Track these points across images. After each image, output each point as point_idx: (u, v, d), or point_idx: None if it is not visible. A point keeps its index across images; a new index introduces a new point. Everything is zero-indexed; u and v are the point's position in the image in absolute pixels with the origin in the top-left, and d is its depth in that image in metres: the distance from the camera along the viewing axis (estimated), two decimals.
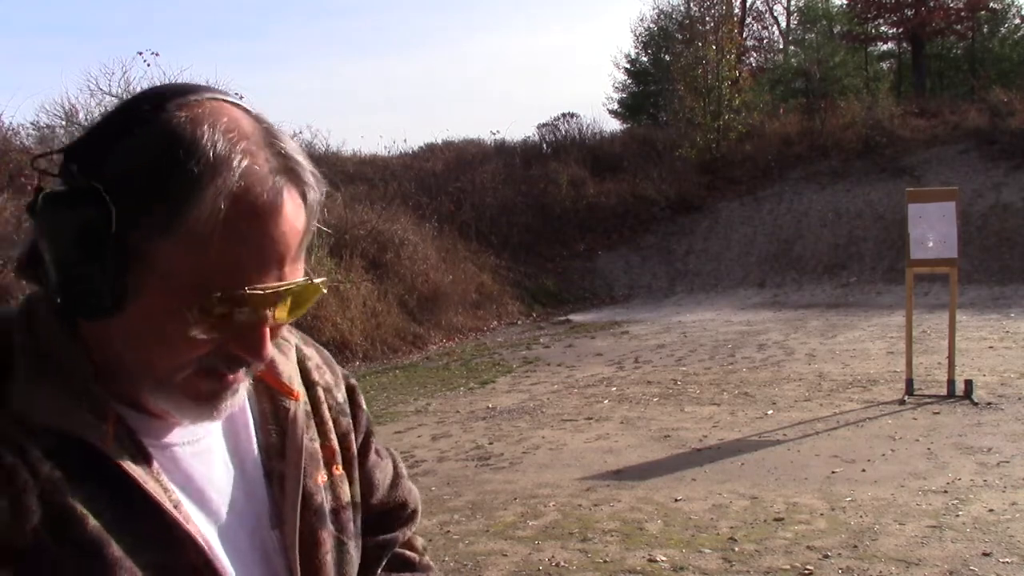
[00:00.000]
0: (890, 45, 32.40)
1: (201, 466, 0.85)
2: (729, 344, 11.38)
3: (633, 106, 31.50)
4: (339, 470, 0.97)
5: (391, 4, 70.41)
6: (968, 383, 7.53)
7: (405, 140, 47.58)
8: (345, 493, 0.97)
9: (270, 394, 0.92)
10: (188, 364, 0.78)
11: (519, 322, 15.17)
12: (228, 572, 0.82)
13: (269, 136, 0.78)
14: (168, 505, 0.78)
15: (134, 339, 0.77)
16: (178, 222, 0.73)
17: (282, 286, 0.77)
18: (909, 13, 28.23)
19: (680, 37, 25.12)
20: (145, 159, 0.73)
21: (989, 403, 7.30)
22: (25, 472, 0.72)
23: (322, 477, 0.94)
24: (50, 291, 0.75)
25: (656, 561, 4.36)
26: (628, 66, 32.30)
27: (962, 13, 28.56)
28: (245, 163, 0.75)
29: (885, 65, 33.23)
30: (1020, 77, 24.57)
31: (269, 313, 0.78)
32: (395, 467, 1.11)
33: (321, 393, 0.98)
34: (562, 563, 4.41)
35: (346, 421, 1.00)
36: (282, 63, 63.01)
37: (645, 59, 32.03)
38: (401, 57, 63.66)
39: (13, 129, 14.77)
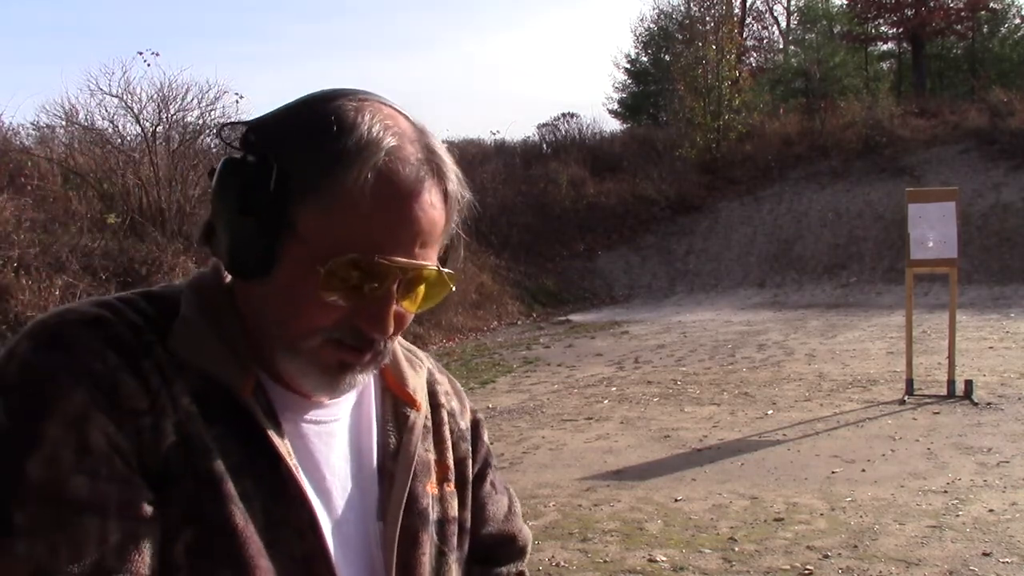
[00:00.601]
0: (890, 45, 32.42)
1: (323, 447, 0.90)
2: (729, 344, 11.38)
3: (633, 106, 31.50)
4: (451, 487, 1.02)
5: (391, 4, 70.44)
6: (968, 383, 7.53)
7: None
8: (453, 509, 1.01)
9: (394, 401, 0.98)
10: (317, 331, 0.84)
11: (519, 322, 15.17)
12: (328, 541, 0.86)
13: (422, 135, 0.89)
14: (291, 461, 0.84)
15: (274, 302, 0.85)
16: (327, 190, 0.81)
17: (412, 264, 0.84)
18: (909, 13, 28.23)
19: (680, 37, 25.13)
20: (309, 132, 0.83)
21: (989, 403, 7.30)
22: (167, 399, 0.80)
23: (432, 487, 0.99)
24: (218, 253, 0.86)
25: (656, 561, 4.36)
26: (628, 66, 32.33)
27: (962, 13, 28.57)
28: (394, 144, 0.84)
29: (885, 65, 33.23)
30: (1020, 77, 24.59)
31: (395, 290, 0.84)
32: (510, 503, 1.14)
33: (445, 415, 1.05)
34: (562, 563, 4.41)
35: (465, 447, 1.06)
36: (282, 63, 63.05)
37: (645, 59, 32.04)
38: (401, 57, 63.70)
39: (13, 129, 14.77)
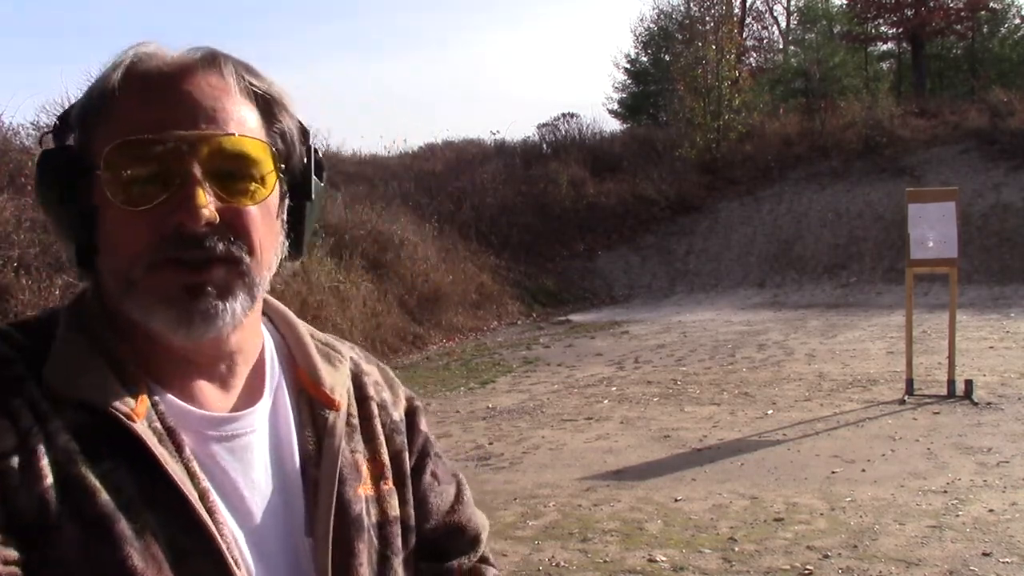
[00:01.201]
0: (890, 45, 32.41)
1: (237, 462, 0.85)
2: (729, 344, 11.38)
3: (633, 106, 31.49)
4: (388, 485, 0.96)
5: (392, 5, 70.44)
6: (968, 383, 7.53)
7: (405, 140, 47.47)
8: (393, 508, 0.96)
9: (310, 404, 0.92)
10: (140, 254, 0.78)
11: (519, 322, 15.17)
12: (245, 567, 0.81)
13: (196, 49, 0.85)
14: (185, 487, 0.77)
15: (105, 255, 0.81)
16: (98, 115, 0.81)
17: (190, 134, 0.78)
18: (909, 13, 28.23)
19: (680, 37, 25.12)
20: (90, 87, 0.83)
21: (989, 403, 7.30)
22: (39, 438, 0.74)
23: (365, 488, 0.93)
24: (71, 259, 0.83)
25: (656, 561, 4.36)
26: (628, 66, 32.31)
27: (962, 13, 28.56)
28: (142, 49, 0.83)
29: (885, 65, 33.23)
30: (1020, 77, 24.59)
31: (196, 172, 0.78)
32: (459, 492, 1.07)
33: (375, 408, 0.98)
34: (562, 563, 4.41)
35: (400, 439, 1.00)
36: (282, 63, 63.01)
37: (645, 59, 32.03)
38: (401, 57, 63.70)
39: (13, 129, 14.75)
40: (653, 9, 41.93)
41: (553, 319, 15.27)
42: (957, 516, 4.76)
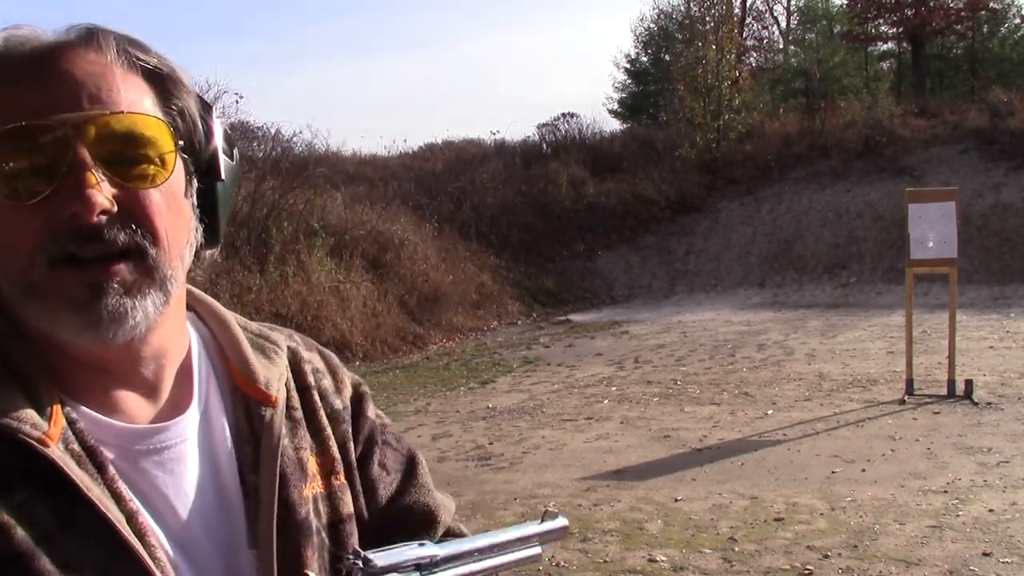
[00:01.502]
0: (890, 45, 32.40)
1: (168, 476, 0.77)
2: (729, 344, 11.38)
3: (633, 106, 31.48)
4: (340, 480, 0.89)
5: (390, 5, 70.42)
6: (968, 383, 7.53)
7: (405, 140, 47.56)
8: (347, 505, 0.89)
9: (246, 403, 0.84)
10: (33, 252, 0.71)
11: (519, 322, 15.17)
12: None
13: (71, 28, 0.78)
14: (111, 513, 0.70)
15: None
16: None
17: (72, 116, 0.71)
18: (909, 13, 28.23)
19: (680, 37, 25.14)
20: None
21: (989, 403, 7.30)
22: None
23: (313, 488, 0.86)
24: None
25: (656, 561, 4.36)
26: (628, 66, 32.31)
27: (962, 13, 28.56)
28: (12, 32, 0.76)
29: (885, 65, 33.22)
30: (1020, 77, 24.58)
31: (85, 157, 0.70)
32: (408, 475, 0.99)
33: (317, 398, 0.91)
34: (562, 563, 4.41)
35: (344, 428, 0.93)
36: (282, 63, 63.05)
37: (645, 59, 32.03)
38: (401, 57, 63.68)
39: None
40: (653, 9, 41.91)
41: (553, 319, 15.27)
42: (957, 516, 4.77)
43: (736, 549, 4.47)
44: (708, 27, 22.32)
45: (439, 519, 0.99)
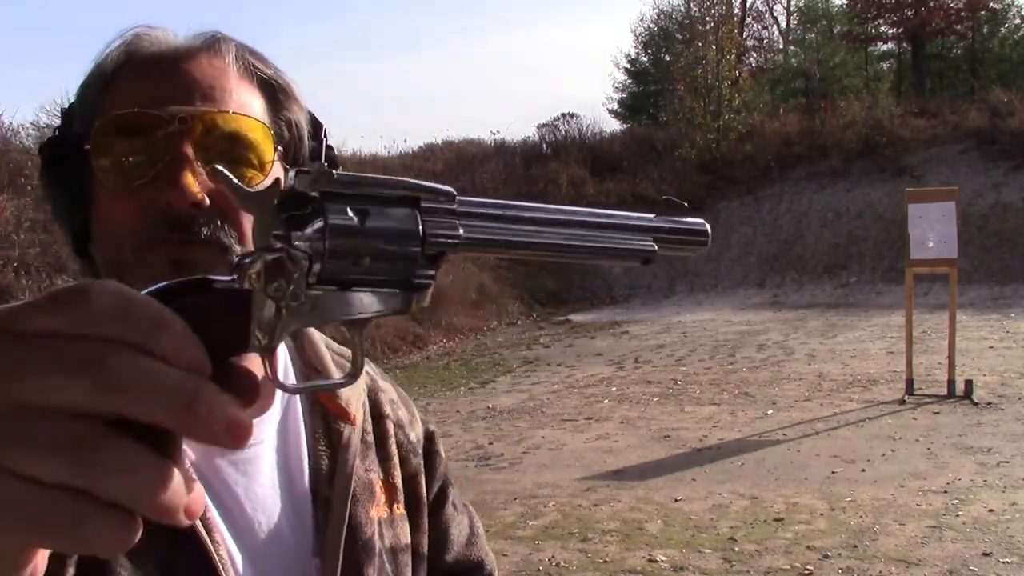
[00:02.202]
0: (890, 45, 32.42)
1: (241, 476, 0.78)
2: (729, 344, 11.38)
3: (633, 106, 31.49)
4: (400, 510, 0.90)
5: (390, 5, 70.40)
6: (968, 383, 7.53)
7: (405, 140, 47.59)
8: (405, 535, 0.89)
9: (325, 415, 0.85)
10: (128, 233, 0.74)
11: (519, 322, 15.17)
12: None
13: (201, 33, 0.82)
14: None
15: (95, 241, 0.78)
16: (97, 96, 0.77)
17: (185, 109, 0.74)
18: (909, 13, 28.24)
19: (680, 37, 25.14)
20: (88, 73, 0.81)
21: (989, 403, 7.30)
22: None
23: (378, 510, 0.86)
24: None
25: (656, 561, 4.36)
26: (628, 66, 32.32)
27: (962, 13, 28.57)
28: (140, 30, 0.80)
29: (885, 65, 33.23)
30: (1020, 77, 24.57)
31: (187, 150, 0.73)
32: (471, 523, 1.02)
33: (391, 427, 0.92)
34: (562, 563, 4.40)
35: (416, 462, 0.94)
36: (282, 63, 62.94)
37: (645, 59, 32.04)
38: (401, 57, 63.67)
39: (13, 129, 14.78)
40: (653, 9, 41.97)
41: (553, 319, 15.27)
42: (957, 516, 4.76)
43: (736, 549, 4.47)
44: (708, 27, 22.33)
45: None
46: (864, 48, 31.25)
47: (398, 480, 0.91)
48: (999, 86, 21.54)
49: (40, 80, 45.47)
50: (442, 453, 1.00)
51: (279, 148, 0.80)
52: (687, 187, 19.63)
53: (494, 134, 24.48)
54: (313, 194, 0.47)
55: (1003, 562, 4.13)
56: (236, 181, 0.47)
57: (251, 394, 0.43)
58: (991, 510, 4.82)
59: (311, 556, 0.80)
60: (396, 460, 0.91)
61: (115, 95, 0.77)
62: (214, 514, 0.75)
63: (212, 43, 0.80)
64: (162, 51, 0.79)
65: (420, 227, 0.52)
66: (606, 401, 8.32)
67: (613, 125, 28.32)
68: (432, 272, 0.55)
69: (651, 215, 0.64)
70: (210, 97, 0.76)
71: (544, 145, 22.55)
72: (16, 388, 0.36)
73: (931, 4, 28.06)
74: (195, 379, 0.38)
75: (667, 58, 27.40)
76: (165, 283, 0.44)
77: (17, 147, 13.95)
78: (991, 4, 29.07)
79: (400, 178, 0.52)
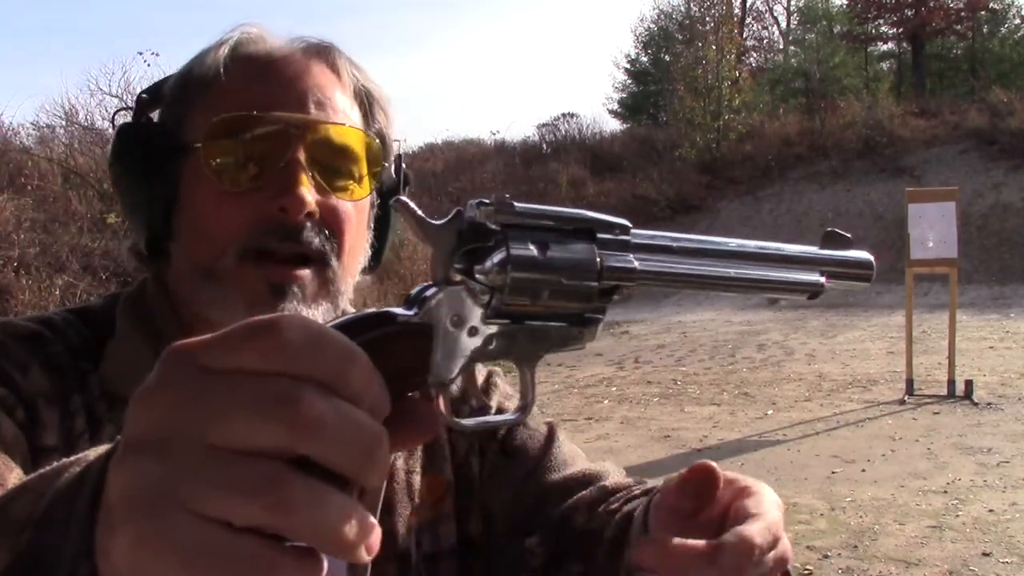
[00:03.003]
0: (890, 45, 32.44)
1: None
2: (729, 344, 11.38)
3: (633, 106, 31.51)
4: (448, 507, 0.85)
5: (389, 5, 70.41)
6: (968, 383, 7.53)
7: (405, 140, 47.53)
8: (450, 534, 0.84)
9: None
10: (229, 240, 0.72)
11: None
12: None
13: (308, 38, 0.82)
14: None
15: (186, 237, 0.75)
16: (200, 90, 0.76)
17: (298, 116, 0.74)
18: (909, 13, 28.25)
19: (680, 37, 25.16)
20: (188, 65, 0.81)
21: (989, 403, 7.30)
22: (87, 445, 0.66)
23: (420, 515, 0.82)
24: (139, 249, 0.78)
25: None
26: (628, 66, 32.35)
27: (962, 13, 28.58)
28: (249, 29, 0.80)
29: (885, 65, 33.24)
30: (1020, 77, 24.60)
31: (301, 157, 0.73)
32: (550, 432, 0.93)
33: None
34: None
35: (465, 444, 0.87)
36: None
37: (645, 59, 32.06)
38: (402, 57, 63.68)
39: (13, 129, 14.79)
40: (653, 9, 42.01)
41: None
42: (957, 516, 4.76)
43: None
44: (708, 27, 22.34)
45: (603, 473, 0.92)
46: (864, 48, 31.26)
47: (448, 473, 0.86)
48: (999, 86, 21.55)
49: (40, 80, 45.49)
50: (495, 396, 0.91)
51: (385, 164, 0.81)
52: (687, 187, 19.65)
53: (494, 134, 24.55)
54: (493, 226, 0.47)
55: (1003, 562, 4.13)
56: (420, 213, 0.46)
57: (430, 429, 0.42)
58: (991, 510, 4.82)
59: (344, 569, 0.77)
60: (447, 452, 0.87)
61: (223, 94, 0.75)
62: None
63: (324, 51, 0.80)
64: (272, 53, 0.78)
65: (598, 260, 0.51)
66: (606, 401, 8.32)
67: (613, 125, 28.36)
68: (604, 306, 0.55)
69: (816, 248, 0.62)
70: (322, 106, 0.76)
71: (544, 145, 22.57)
72: (213, 429, 0.35)
73: (931, 4, 28.06)
74: (379, 427, 0.38)
75: (667, 58, 27.41)
76: (348, 316, 0.43)
77: (17, 147, 13.96)
78: (991, 4, 29.08)
79: (577, 210, 0.51)
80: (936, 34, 28.84)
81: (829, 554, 4.32)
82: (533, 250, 0.47)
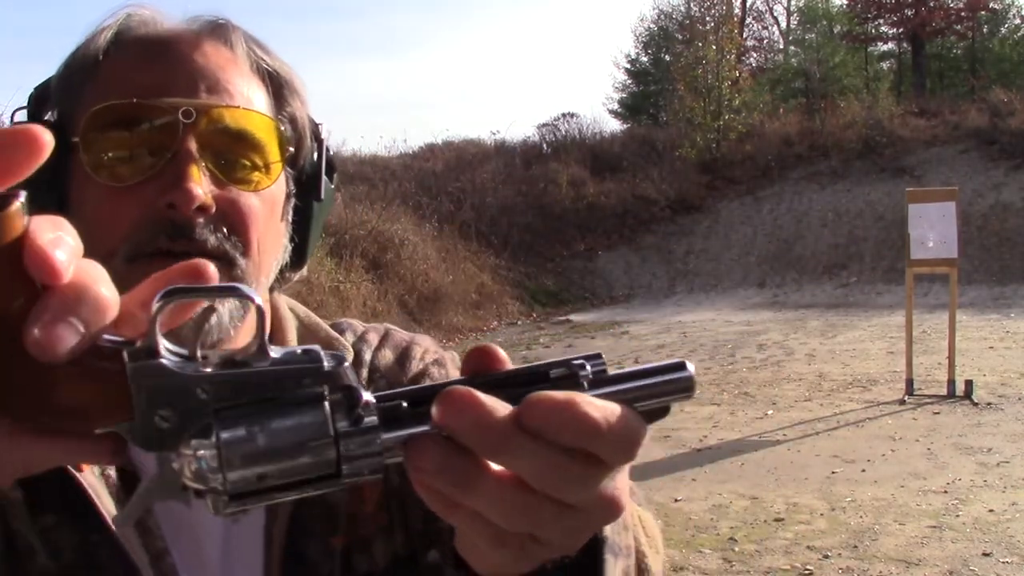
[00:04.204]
0: (890, 45, 32.44)
1: (195, 511, 0.70)
2: (729, 344, 11.38)
3: (633, 106, 31.50)
4: (384, 519, 0.75)
5: (391, 5, 70.44)
6: (968, 383, 7.53)
7: (405, 140, 47.65)
8: (385, 553, 0.74)
9: None
10: (119, 240, 0.65)
11: (519, 322, 15.17)
12: None
13: (199, 17, 0.74)
14: (133, 552, 0.64)
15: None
16: (81, 81, 0.69)
17: (186, 101, 0.66)
18: (909, 13, 28.26)
19: (680, 37, 25.17)
20: (67, 59, 0.73)
21: (989, 403, 7.30)
22: None
23: (350, 535, 0.73)
24: None
25: None
26: (628, 66, 32.33)
27: (962, 13, 28.59)
28: (135, 10, 0.72)
29: (885, 65, 33.24)
30: (1020, 77, 24.60)
31: (191, 147, 0.65)
32: None
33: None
34: None
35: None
36: None
37: (645, 59, 32.05)
38: (401, 57, 63.69)
39: None
40: (653, 9, 42.01)
41: (553, 319, 15.27)
42: (957, 516, 4.76)
43: (736, 549, 4.47)
44: (708, 27, 22.34)
45: None
46: (864, 48, 31.25)
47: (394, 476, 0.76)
48: (999, 86, 21.55)
49: (40, 80, 45.49)
50: (435, 372, 0.82)
51: (289, 149, 0.73)
52: (687, 187, 19.65)
53: (494, 134, 24.51)
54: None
55: (1003, 562, 4.13)
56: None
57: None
58: (991, 510, 4.82)
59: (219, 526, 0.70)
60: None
61: (106, 81, 0.68)
62: (176, 559, 0.66)
63: (218, 29, 0.72)
64: (160, 34, 0.71)
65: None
66: None
67: (613, 125, 28.33)
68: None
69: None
70: (216, 89, 0.68)
71: (544, 145, 22.55)
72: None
73: (931, 4, 28.07)
74: None
75: (667, 58, 27.41)
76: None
77: None
78: (991, 4, 29.09)
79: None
80: (936, 34, 28.84)
81: (829, 554, 4.32)
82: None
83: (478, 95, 64.00)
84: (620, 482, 0.46)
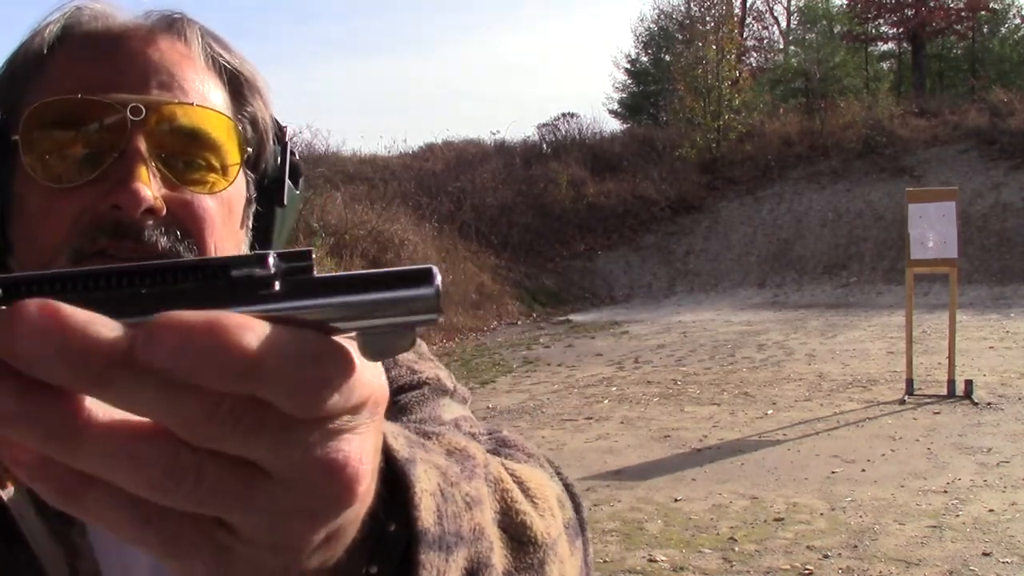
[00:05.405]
0: (890, 45, 32.46)
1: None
2: (729, 344, 11.38)
3: (633, 106, 31.52)
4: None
5: (391, 5, 70.43)
6: (968, 383, 7.53)
7: (405, 140, 47.68)
8: None
9: None
10: (61, 243, 0.61)
11: (519, 322, 15.17)
12: None
13: (153, 11, 0.71)
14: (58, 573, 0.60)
15: (17, 250, 0.65)
16: (24, 79, 0.66)
17: (133, 97, 0.63)
18: (909, 13, 28.27)
19: (680, 37, 25.16)
20: (10, 56, 0.70)
21: (989, 403, 7.30)
22: None
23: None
24: None
25: (656, 561, 4.36)
26: (628, 66, 32.35)
27: (962, 13, 28.60)
28: (84, 3, 0.69)
29: (885, 65, 33.25)
30: (1020, 77, 24.61)
31: (140, 146, 0.62)
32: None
33: None
34: None
35: None
36: (282, 63, 63.06)
37: (645, 59, 32.06)
38: (402, 57, 63.68)
39: None
40: (653, 9, 41.99)
41: (553, 319, 15.27)
42: (957, 516, 4.76)
43: (736, 549, 4.47)
44: (708, 27, 22.36)
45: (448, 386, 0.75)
46: (864, 48, 31.27)
47: None
48: (999, 86, 21.56)
49: None
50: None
51: (248, 150, 0.69)
52: (687, 187, 19.66)
53: (494, 134, 24.51)
54: None
55: (1003, 562, 4.13)
56: None
57: None
58: (991, 510, 4.82)
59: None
60: None
61: (51, 77, 0.65)
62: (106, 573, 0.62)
63: (172, 23, 0.69)
64: (111, 28, 0.67)
65: None
66: (606, 401, 8.32)
67: (613, 125, 28.34)
68: None
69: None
70: (168, 86, 0.65)
71: (544, 145, 22.55)
72: None
73: (931, 4, 28.08)
74: None
75: (667, 58, 27.41)
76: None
77: None
78: (991, 4, 29.10)
79: None
80: (936, 34, 28.85)
81: (829, 554, 4.32)
82: None
83: (478, 95, 64.04)
84: (354, 444, 0.31)
